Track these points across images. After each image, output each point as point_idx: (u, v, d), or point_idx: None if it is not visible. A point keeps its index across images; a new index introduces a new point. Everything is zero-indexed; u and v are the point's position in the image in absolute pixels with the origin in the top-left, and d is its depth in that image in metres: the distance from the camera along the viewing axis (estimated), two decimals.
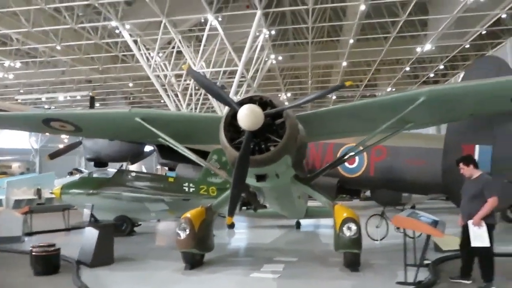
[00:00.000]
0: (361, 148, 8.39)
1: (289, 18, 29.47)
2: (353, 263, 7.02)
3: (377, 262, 7.56)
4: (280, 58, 33.28)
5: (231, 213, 5.63)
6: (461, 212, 6.04)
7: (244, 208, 14.09)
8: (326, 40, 33.20)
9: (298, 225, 13.57)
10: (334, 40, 32.99)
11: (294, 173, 7.11)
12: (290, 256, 8.61)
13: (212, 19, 23.93)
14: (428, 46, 30.87)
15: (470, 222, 5.54)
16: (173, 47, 28.21)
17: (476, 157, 9.34)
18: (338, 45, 33.59)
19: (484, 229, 5.38)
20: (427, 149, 12.61)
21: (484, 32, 29.62)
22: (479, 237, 5.41)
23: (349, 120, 7.86)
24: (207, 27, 25.20)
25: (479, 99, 7.29)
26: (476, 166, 5.91)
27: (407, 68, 37.06)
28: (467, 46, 32.01)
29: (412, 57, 34.08)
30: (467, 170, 5.91)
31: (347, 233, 6.65)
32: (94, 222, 8.71)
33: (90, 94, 22.18)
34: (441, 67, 37.36)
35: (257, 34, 26.18)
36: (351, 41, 29.76)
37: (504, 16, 26.66)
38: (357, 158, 13.92)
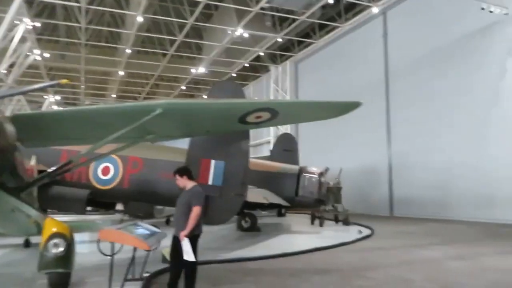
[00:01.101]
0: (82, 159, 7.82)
1: (61, 13, 26.86)
2: (58, 284, 6.29)
3: (96, 280, 7.10)
4: (47, 55, 29.77)
5: None
6: (174, 223, 6.23)
7: None
8: (103, 46, 31.70)
9: (27, 243, 11.75)
10: (112, 47, 31.80)
11: None
12: None
13: None
14: (202, 69, 33.21)
15: (181, 235, 5.73)
16: None
17: (212, 171, 10.22)
18: (116, 52, 32.53)
19: (188, 243, 5.59)
20: (180, 163, 13.14)
21: (247, 65, 33.98)
22: (187, 251, 5.63)
23: (81, 125, 7.28)
24: None
25: (212, 117, 7.84)
26: (190, 177, 6.20)
27: (183, 87, 39.00)
28: (234, 75, 35.97)
29: (188, 77, 36.08)
30: (181, 181, 6.14)
31: (53, 250, 5.97)
32: None
33: None
34: None
35: (17, 22, 22.71)
36: (128, 50, 29.26)
37: (262, 54, 31.19)
38: (112, 169, 13.35)
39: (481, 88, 17.41)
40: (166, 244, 6.51)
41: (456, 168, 18.30)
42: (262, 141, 34.60)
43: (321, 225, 16.01)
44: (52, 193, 15.67)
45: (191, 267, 5.87)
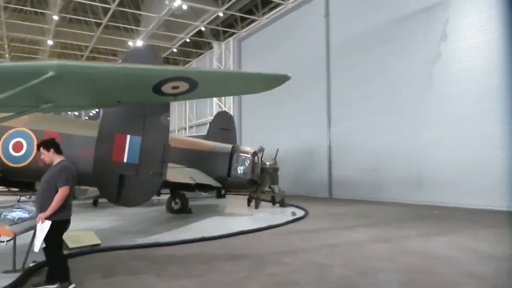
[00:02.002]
0: None
1: None
2: None
3: None
4: None
5: None
6: (35, 202, 5.28)
7: None
8: (27, 10, 28.72)
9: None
10: (38, 12, 28.92)
11: None
12: None
13: None
14: (139, 42, 31.26)
15: (39, 217, 4.79)
16: None
17: (127, 147, 9.19)
18: (43, 19, 29.68)
19: (45, 228, 4.70)
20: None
21: (188, 40, 32.46)
22: (39, 238, 4.74)
23: None
24: None
25: (121, 84, 6.80)
26: (58, 151, 5.25)
27: (119, 61, 36.68)
28: (175, 50, 34.32)
29: (125, 50, 33.88)
30: (47, 156, 5.17)
31: None
32: None
33: None
34: None
35: None
36: (56, 17, 26.72)
37: (203, 29, 29.83)
38: (24, 144, 11.88)
39: (416, 71, 17.52)
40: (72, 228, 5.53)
41: (391, 150, 18.48)
42: (205, 120, 33.60)
43: (256, 207, 15.51)
44: None
45: (53, 259, 4.96)
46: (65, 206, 4.93)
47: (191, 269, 5.97)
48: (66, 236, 7.48)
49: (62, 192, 4.82)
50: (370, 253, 7.14)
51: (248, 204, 16.35)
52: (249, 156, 13.64)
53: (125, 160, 9.07)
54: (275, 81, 8.04)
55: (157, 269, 5.93)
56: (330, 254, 7.10)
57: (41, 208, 4.83)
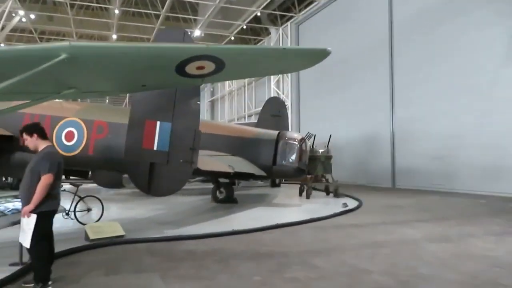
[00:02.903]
0: None
1: None
2: None
3: None
4: (33, 16, 28.27)
5: None
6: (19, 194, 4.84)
7: None
8: (94, 7, 29.96)
9: None
10: (102, 8, 30.05)
11: None
12: None
13: None
14: (197, 32, 31.30)
15: (24, 210, 4.34)
16: None
17: (157, 134, 8.73)
18: (107, 14, 30.81)
19: (31, 222, 4.23)
20: None
21: (245, 27, 31.86)
22: (23, 232, 4.28)
23: None
24: None
25: (143, 65, 6.29)
26: (43, 136, 4.77)
27: None
28: (233, 38, 33.93)
29: None
30: (30, 142, 4.71)
31: None
32: None
33: None
34: None
35: None
36: (117, 11, 27.53)
37: (259, 14, 29.02)
38: (75, 134, 12.07)
39: (491, 47, 15.25)
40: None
41: (463, 136, 16.42)
42: None
43: (307, 197, 14.56)
44: (14, 160, 14.61)
45: (31, 255, 4.49)
46: (51, 196, 4.46)
47: (203, 269, 5.27)
48: (88, 227, 7.26)
49: (45, 180, 4.35)
50: (421, 256, 5.94)
51: (300, 194, 15.43)
52: (296, 143, 12.67)
53: (155, 148, 8.62)
54: (313, 56, 7.05)
55: (167, 268, 5.32)
56: (371, 255, 6.01)
57: (26, 200, 4.40)
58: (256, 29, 33.60)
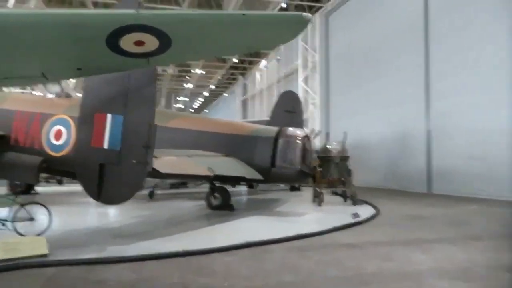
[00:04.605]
0: None
1: None
2: None
3: None
4: None
5: None
6: None
7: None
8: None
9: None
10: None
11: None
12: None
13: None
14: None
15: None
16: None
17: (107, 129, 7.26)
18: None
19: None
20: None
21: None
22: None
23: None
24: None
25: (67, 38, 5.23)
26: None
27: None
28: None
29: None
30: None
31: None
32: None
33: None
34: None
35: None
36: None
37: (284, 5, 27.17)
38: (64, 132, 10.97)
39: None
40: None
41: (510, 133, 13.74)
42: None
43: (319, 204, 12.63)
44: (5, 160, 13.77)
45: None
46: None
47: None
48: (1, 243, 5.88)
49: None
50: None
51: (314, 200, 13.48)
52: (299, 141, 10.79)
53: (105, 146, 7.15)
54: (286, 25, 5.46)
55: None
56: None
57: None
58: None
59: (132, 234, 7.80)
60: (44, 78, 6.27)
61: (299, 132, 11.14)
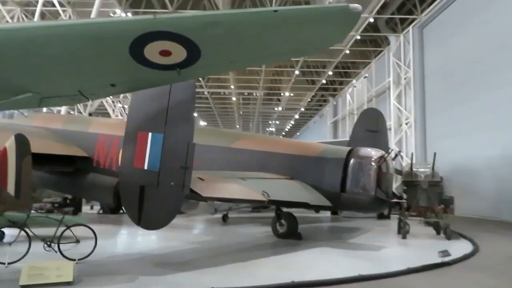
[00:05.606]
0: None
1: None
2: None
3: None
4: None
5: None
6: None
7: None
8: None
9: None
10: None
11: None
12: None
13: None
14: None
15: None
16: None
17: (148, 148, 6.85)
18: None
19: None
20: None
21: (359, 37, 28.62)
22: None
23: None
24: None
25: (90, 51, 5.09)
26: None
27: (297, 72, 35.53)
28: (348, 52, 30.86)
29: None
30: None
31: None
32: None
33: None
34: None
35: None
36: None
37: (372, 20, 25.62)
38: None
39: None
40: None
41: None
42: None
43: (403, 236, 10.89)
44: (88, 180, 14.51)
45: None
46: None
47: None
48: (25, 267, 5.64)
49: None
50: None
51: (399, 232, 11.66)
52: (373, 163, 9.35)
53: (146, 167, 6.73)
54: (332, 20, 4.60)
55: None
56: None
57: None
58: (375, 39, 30.08)
59: (174, 263, 7.21)
60: (82, 96, 6.07)
61: (374, 153, 9.68)
